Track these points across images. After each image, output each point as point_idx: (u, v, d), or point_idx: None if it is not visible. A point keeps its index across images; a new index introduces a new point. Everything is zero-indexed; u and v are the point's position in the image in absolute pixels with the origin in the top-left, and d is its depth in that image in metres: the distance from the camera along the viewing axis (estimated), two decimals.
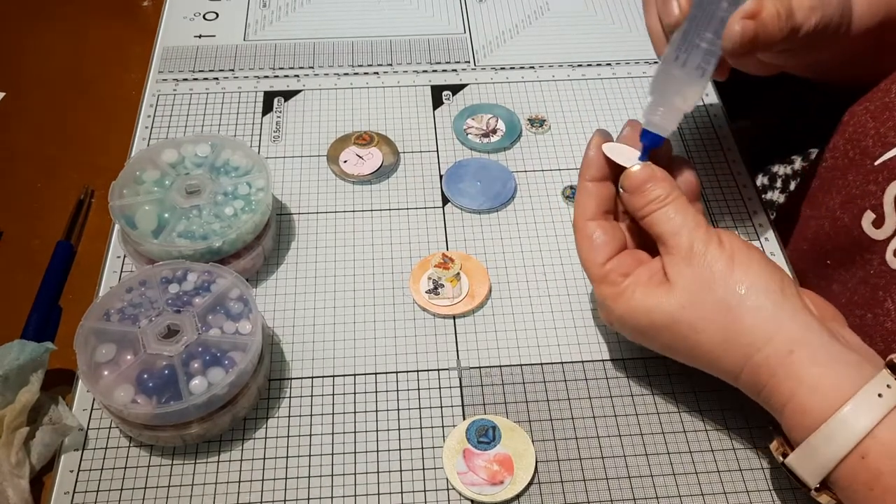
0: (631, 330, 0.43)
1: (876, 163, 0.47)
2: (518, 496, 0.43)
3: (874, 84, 0.50)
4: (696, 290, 0.40)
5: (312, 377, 0.47)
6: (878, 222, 0.47)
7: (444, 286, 0.51)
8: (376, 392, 0.46)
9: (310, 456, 0.44)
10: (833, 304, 0.44)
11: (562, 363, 0.48)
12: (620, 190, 0.44)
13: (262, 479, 0.43)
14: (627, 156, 0.44)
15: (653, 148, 0.44)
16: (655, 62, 0.67)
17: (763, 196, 0.60)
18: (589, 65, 0.67)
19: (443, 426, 0.45)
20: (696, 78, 0.43)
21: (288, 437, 0.45)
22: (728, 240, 0.41)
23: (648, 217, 0.42)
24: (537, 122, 0.62)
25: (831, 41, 0.46)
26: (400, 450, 0.44)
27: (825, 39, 0.45)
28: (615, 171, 0.44)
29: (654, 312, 0.41)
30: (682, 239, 0.41)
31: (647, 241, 0.45)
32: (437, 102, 0.63)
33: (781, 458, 0.39)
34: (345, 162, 0.58)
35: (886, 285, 0.45)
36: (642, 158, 0.44)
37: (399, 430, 0.45)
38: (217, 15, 0.70)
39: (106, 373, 0.42)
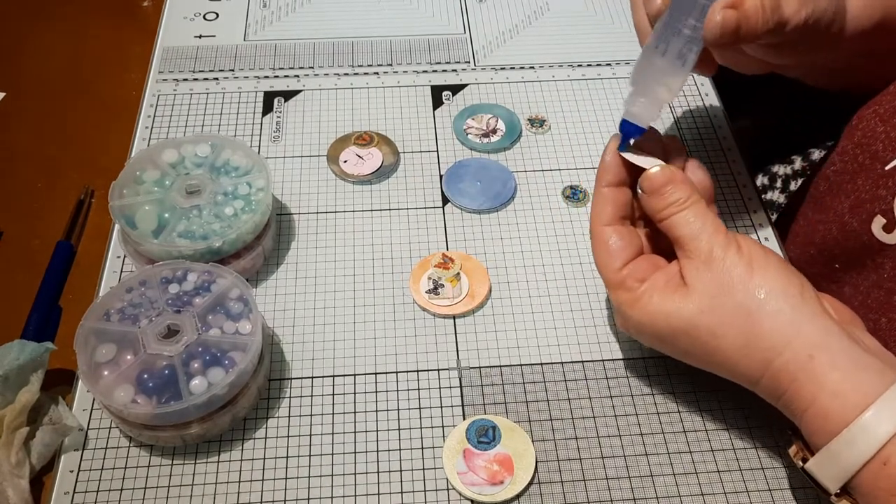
0: (648, 336, 0.42)
1: (886, 167, 0.47)
2: (518, 496, 0.43)
3: (874, 90, 0.50)
4: (716, 295, 0.39)
5: (312, 377, 0.47)
6: (890, 227, 0.46)
7: (444, 286, 0.51)
8: (376, 392, 0.46)
9: (310, 456, 0.44)
10: None
11: (562, 363, 0.48)
12: (639, 192, 0.43)
13: (262, 479, 0.43)
14: (645, 158, 0.43)
15: (632, 138, 0.44)
16: None
17: (763, 196, 0.60)
18: (589, 65, 0.67)
19: (443, 426, 0.45)
20: (677, 67, 0.42)
21: (288, 437, 0.45)
22: (746, 245, 0.41)
23: (667, 220, 0.42)
24: (537, 122, 0.62)
25: (824, 39, 0.45)
26: (400, 450, 0.44)
27: (817, 37, 0.45)
28: (632, 177, 0.44)
29: (672, 317, 0.40)
30: (701, 243, 0.40)
31: (662, 247, 0.44)
32: (437, 102, 0.63)
33: (801, 463, 0.39)
34: (345, 162, 0.58)
35: None
36: (621, 148, 0.44)
37: (399, 430, 0.45)
38: (217, 15, 0.70)
39: (106, 373, 0.42)
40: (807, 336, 0.38)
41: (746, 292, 0.39)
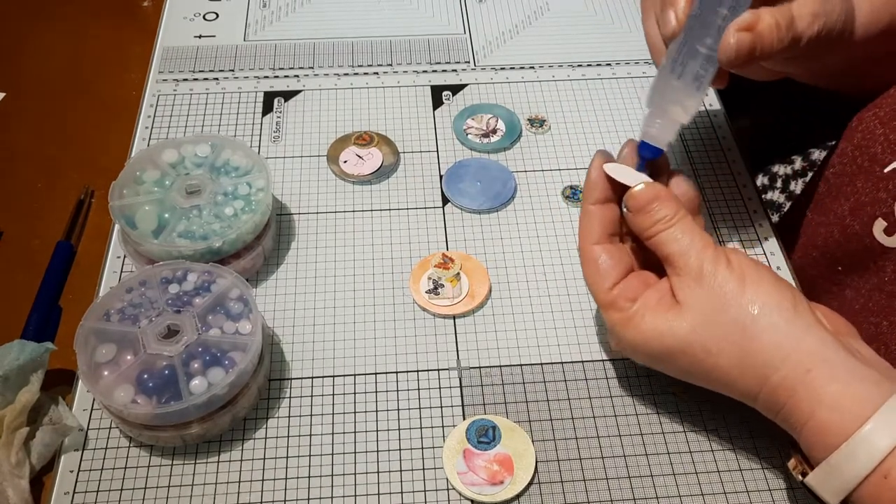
0: (644, 356, 0.42)
1: (885, 170, 0.47)
2: (518, 496, 0.43)
3: (878, 91, 0.50)
4: (709, 312, 0.39)
5: (312, 377, 0.47)
6: (891, 230, 0.46)
7: (444, 286, 0.51)
8: (376, 392, 0.46)
9: (310, 456, 0.44)
10: (847, 310, 0.43)
11: (562, 363, 0.48)
12: (624, 210, 0.43)
13: (262, 479, 0.43)
14: (630, 175, 0.43)
15: (651, 160, 0.44)
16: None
17: (763, 196, 0.60)
18: (589, 65, 0.67)
19: (443, 426, 0.45)
20: (693, 89, 0.42)
21: (288, 437, 0.45)
22: (736, 259, 0.40)
23: (654, 238, 0.41)
24: (537, 122, 0.62)
25: (835, 48, 0.45)
26: (400, 450, 0.44)
27: (828, 46, 0.44)
28: (618, 193, 0.44)
29: (667, 337, 0.40)
30: (690, 260, 0.40)
31: (652, 261, 0.44)
32: (437, 102, 0.63)
33: (801, 477, 0.38)
34: (345, 162, 0.58)
35: None
36: (640, 169, 0.43)
37: (399, 430, 0.45)
38: (217, 15, 0.70)
39: (106, 373, 0.42)
40: (803, 349, 0.38)
41: (740, 307, 0.39)
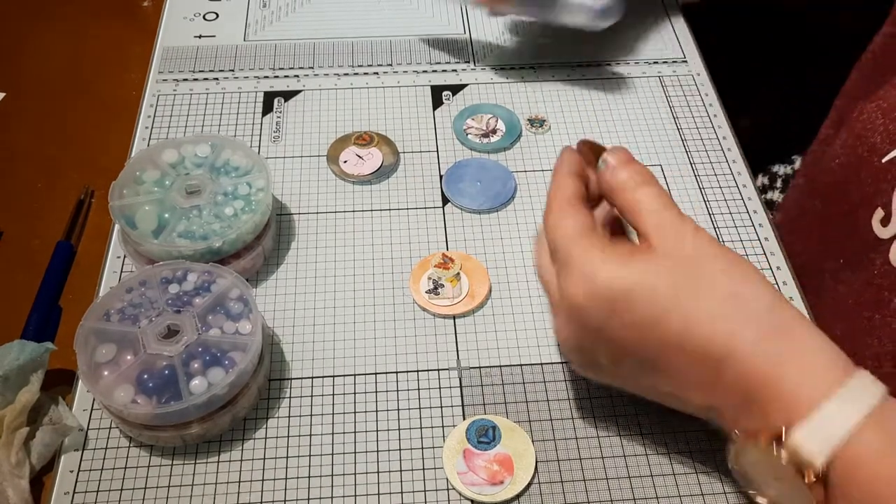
0: (593, 313, 0.37)
1: (884, 160, 0.47)
2: (518, 496, 0.43)
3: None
4: (690, 262, 0.36)
5: (312, 377, 0.47)
6: (886, 220, 0.46)
7: (444, 286, 0.51)
8: (376, 392, 0.46)
9: (310, 456, 0.44)
10: (842, 306, 0.43)
11: (562, 363, 0.48)
12: (605, 165, 0.40)
13: (262, 479, 0.43)
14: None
15: None
16: (656, 62, 0.67)
17: (763, 196, 0.60)
18: (589, 65, 0.67)
19: (443, 426, 0.45)
20: None
21: (288, 437, 0.45)
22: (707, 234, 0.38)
23: (636, 192, 0.39)
24: (537, 122, 0.62)
25: None
26: (400, 450, 0.44)
27: None
28: (589, 169, 0.42)
29: (635, 274, 0.36)
30: (672, 211, 0.38)
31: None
32: (437, 102, 0.63)
33: (775, 449, 0.34)
34: (345, 162, 0.58)
35: (891, 285, 0.45)
36: None
37: (399, 430, 0.45)
38: (217, 15, 0.70)
39: (106, 373, 0.42)
40: (787, 313, 0.36)
41: (728, 261, 0.37)
